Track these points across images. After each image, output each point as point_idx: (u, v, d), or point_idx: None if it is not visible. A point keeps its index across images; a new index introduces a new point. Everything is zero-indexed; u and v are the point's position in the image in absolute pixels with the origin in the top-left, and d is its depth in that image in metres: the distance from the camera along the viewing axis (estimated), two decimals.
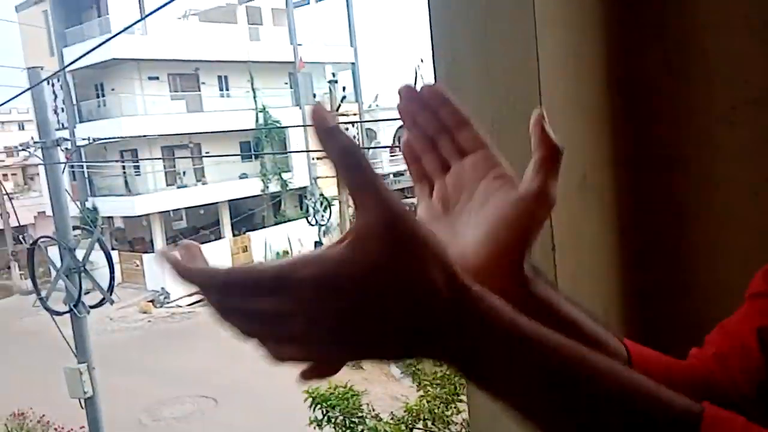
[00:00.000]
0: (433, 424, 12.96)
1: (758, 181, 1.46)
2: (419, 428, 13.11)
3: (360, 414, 13.61)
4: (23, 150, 16.70)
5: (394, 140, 31.93)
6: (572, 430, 0.52)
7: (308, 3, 39.39)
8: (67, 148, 19.18)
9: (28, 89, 11.90)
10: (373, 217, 0.47)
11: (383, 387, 19.87)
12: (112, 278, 12.79)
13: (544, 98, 1.19)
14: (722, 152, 1.47)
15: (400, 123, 0.70)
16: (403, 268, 0.47)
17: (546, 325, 0.60)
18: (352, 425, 13.42)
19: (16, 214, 21.01)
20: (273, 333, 0.49)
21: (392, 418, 12.74)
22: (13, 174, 49.26)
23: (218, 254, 31.78)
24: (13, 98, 11.74)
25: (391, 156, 34.21)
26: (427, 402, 13.91)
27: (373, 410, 14.40)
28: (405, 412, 13.03)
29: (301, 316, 0.47)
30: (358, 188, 0.48)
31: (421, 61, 27.11)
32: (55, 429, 16.84)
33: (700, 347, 0.83)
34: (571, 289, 1.28)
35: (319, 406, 14.28)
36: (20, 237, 22.32)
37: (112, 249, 30.00)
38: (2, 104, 12.07)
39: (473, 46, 1.27)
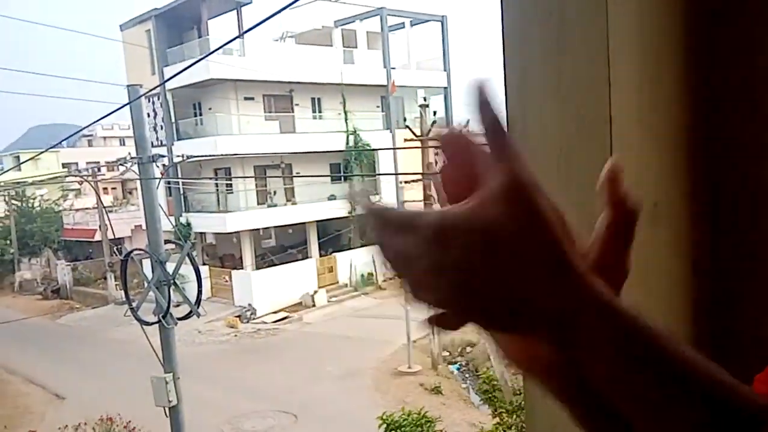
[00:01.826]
0: None
1: None
2: None
3: None
4: (121, 165, 17.34)
5: None
6: (645, 417, 0.51)
7: (403, 26, 39.67)
8: (164, 165, 19.81)
9: (124, 105, 12.24)
10: (500, 184, 0.49)
11: (461, 413, 19.75)
12: (199, 292, 13.11)
13: (614, 120, 1.15)
14: None
15: None
16: (515, 238, 0.49)
17: None
18: None
19: (111, 227, 21.54)
20: (406, 271, 0.52)
21: None
22: (113, 188, 51.01)
23: (305, 273, 32.17)
24: (109, 114, 12.38)
25: None
26: (503, 430, 13.82)
27: None
28: None
29: (424, 259, 0.50)
30: (498, 156, 0.50)
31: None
32: None
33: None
34: None
35: (392, 431, 14.35)
36: (116, 249, 23.03)
37: (203, 264, 30.59)
38: (97, 120, 12.59)
39: (544, 66, 1.24)
